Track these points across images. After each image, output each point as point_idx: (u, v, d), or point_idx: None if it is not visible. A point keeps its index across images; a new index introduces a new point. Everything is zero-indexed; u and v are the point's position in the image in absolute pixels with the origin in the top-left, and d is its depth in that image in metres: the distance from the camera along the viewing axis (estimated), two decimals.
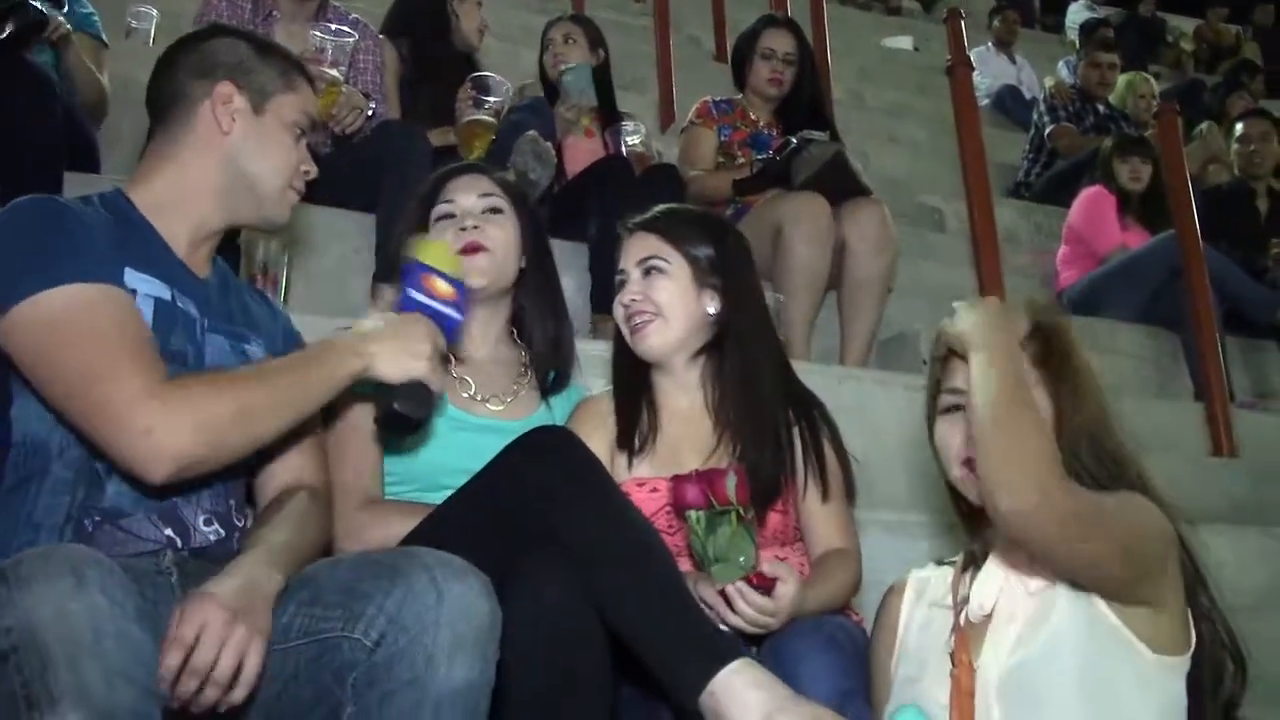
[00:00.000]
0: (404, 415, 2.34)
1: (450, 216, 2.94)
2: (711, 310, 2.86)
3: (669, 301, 2.83)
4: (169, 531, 2.23)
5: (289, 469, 2.46)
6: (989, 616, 2.22)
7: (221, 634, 1.92)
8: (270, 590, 2.07)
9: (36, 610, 1.76)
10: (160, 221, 2.39)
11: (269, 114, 2.45)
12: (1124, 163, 6.39)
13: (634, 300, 2.84)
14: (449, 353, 2.83)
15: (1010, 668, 2.15)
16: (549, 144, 4.41)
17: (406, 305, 2.42)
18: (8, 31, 3.78)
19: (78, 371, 2.09)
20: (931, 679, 2.24)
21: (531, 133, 4.40)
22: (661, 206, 3.00)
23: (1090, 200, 6.40)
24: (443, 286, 2.44)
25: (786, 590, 2.47)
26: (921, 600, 2.41)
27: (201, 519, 2.28)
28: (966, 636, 2.24)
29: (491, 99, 4.53)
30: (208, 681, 1.92)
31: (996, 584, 2.23)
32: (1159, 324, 5.86)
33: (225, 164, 2.41)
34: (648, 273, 2.85)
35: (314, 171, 2.54)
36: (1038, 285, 6.48)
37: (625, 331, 2.88)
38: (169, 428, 2.05)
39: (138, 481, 2.14)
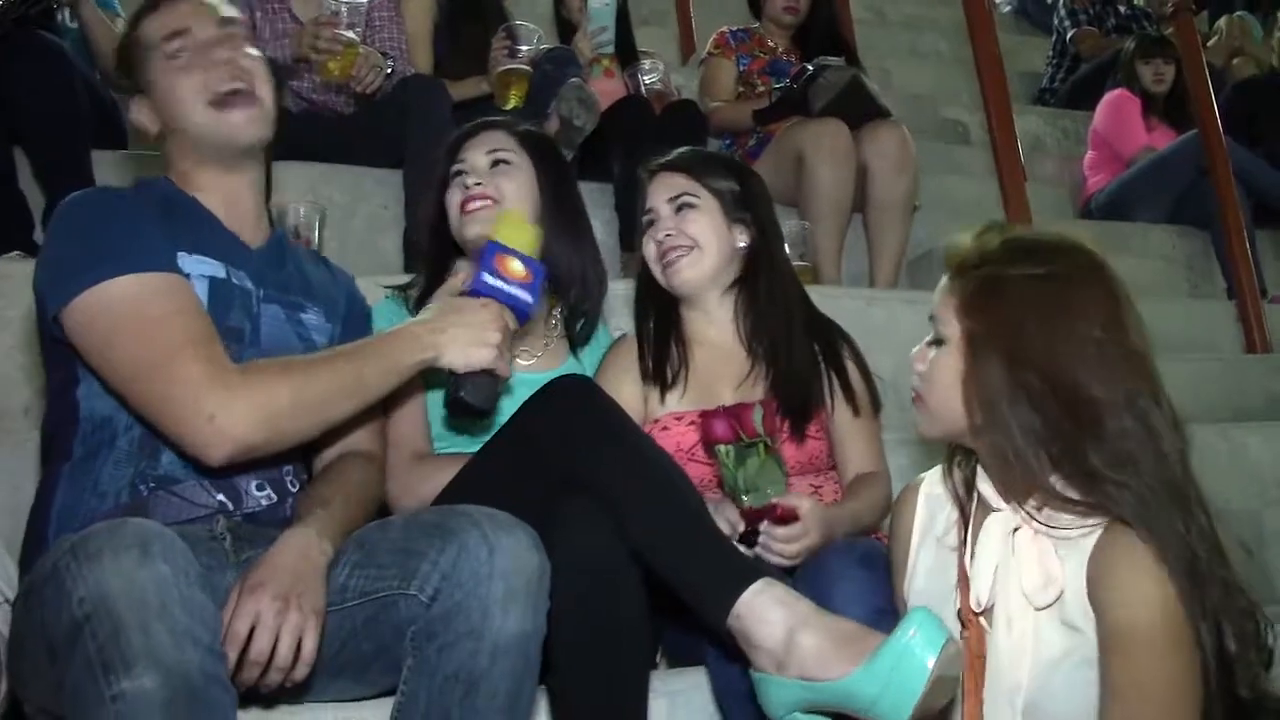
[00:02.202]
0: (469, 404, 2.37)
1: (460, 174, 2.97)
2: (741, 243, 2.95)
3: (703, 234, 2.91)
4: (220, 497, 2.30)
5: (347, 436, 2.50)
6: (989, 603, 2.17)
7: (275, 624, 2.00)
8: (321, 563, 2.13)
9: (106, 580, 1.82)
10: (198, 195, 2.46)
11: (154, 85, 2.48)
12: (1146, 64, 6.37)
13: (669, 235, 2.92)
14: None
15: (1011, 684, 2.11)
16: (592, 90, 4.42)
17: (479, 289, 2.39)
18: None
19: (140, 359, 2.16)
20: None
21: (575, 79, 4.41)
22: (682, 148, 3.07)
23: (1114, 103, 6.38)
24: (517, 268, 2.41)
25: (805, 507, 2.55)
26: (932, 529, 2.33)
27: (254, 484, 2.35)
28: (976, 627, 2.19)
29: (524, 47, 4.56)
30: (269, 667, 2.00)
31: (989, 576, 2.15)
32: (1189, 223, 5.87)
33: (173, 136, 2.48)
34: (680, 209, 2.93)
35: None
36: (1065, 193, 6.47)
37: (657, 269, 2.96)
38: (231, 414, 2.11)
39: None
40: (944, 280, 2.19)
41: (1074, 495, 2.05)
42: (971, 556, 2.21)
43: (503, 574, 2.04)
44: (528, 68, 4.55)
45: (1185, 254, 5.83)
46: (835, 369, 2.91)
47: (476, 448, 2.64)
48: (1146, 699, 1.96)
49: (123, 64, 2.54)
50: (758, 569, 2.30)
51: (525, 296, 2.41)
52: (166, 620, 1.81)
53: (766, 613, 2.20)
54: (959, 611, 2.22)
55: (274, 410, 2.16)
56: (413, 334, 2.34)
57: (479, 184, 2.91)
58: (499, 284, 2.39)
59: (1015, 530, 2.13)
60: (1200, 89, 5.45)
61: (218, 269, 2.38)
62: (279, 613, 2.00)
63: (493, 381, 2.38)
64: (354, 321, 2.63)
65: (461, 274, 2.43)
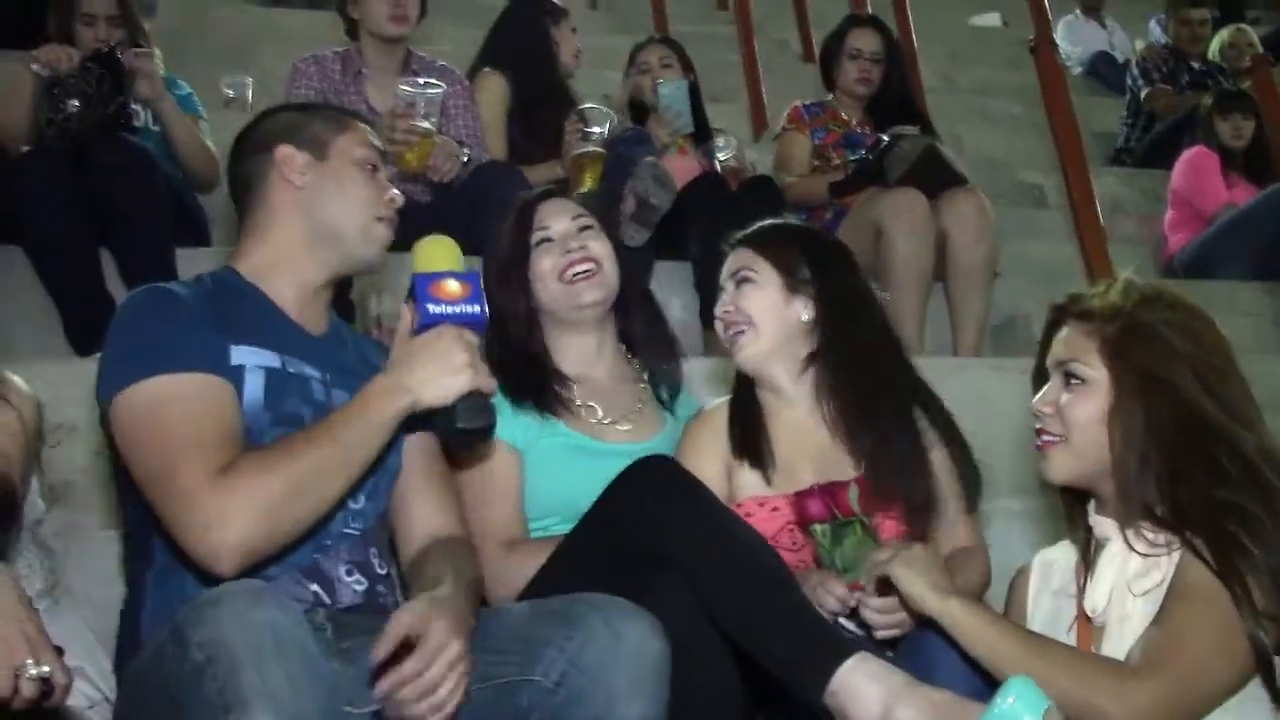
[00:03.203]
0: (467, 431, 2.33)
1: (549, 241, 2.99)
2: (805, 317, 2.85)
3: (758, 310, 2.85)
4: (315, 587, 2.31)
5: (432, 520, 2.51)
6: (1104, 615, 2.24)
7: (455, 661, 2.04)
8: (470, 627, 2.16)
9: (224, 622, 1.87)
10: (267, 288, 2.47)
11: (332, 157, 2.51)
12: (1225, 120, 6.30)
13: (726, 312, 2.88)
14: (572, 377, 2.90)
15: None
16: (668, 168, 4.41)
17: (427, 321, 2.32)
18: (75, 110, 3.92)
19: (153, 463, 2.18)
20: None
21: (651, 158, 4.40)
22: (762, 223, 3.03)
23: (1192, 161, 6.30)
24: (453, 288, 2.33)
25: (901, 574, 2.49)
26: (1046, 586, 2.42)
27: (343, 570, 2.36)
28: (1088, 632, 2.26)
29: (597, 129, 4.59)
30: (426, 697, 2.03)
31: (1108, 583, 2.24)
32: (1275, 279, 5.75)
33: (307, 217, 2.48)
34: (739, 284, 2.88)
35: (399, 199, 2.56)
36: (1147, 253, 6.41)
37: (726, 345, 2.92)
38: (224, 521, 2.10)
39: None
40: (1072, 326, 2.35)
41: (1170, 518, 2.21)
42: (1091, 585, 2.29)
43: (627, 661, 2.07)
44: (602, 150, 4.56)
45: (1272, 310, 5.73)
46: (941, 447, 2.84)
47: (566, 528, 2.64)
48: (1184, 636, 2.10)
49: (293, 125, 2.56)
50: (852, 644, 2.29)
51: (476, 310, 2.35)
52: (282, 662, 1.86)
53: (862, 689, 2.19)
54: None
55: (268, 505, 2.13)
56: (382, 388, 2.29)
57: (582, 247, 2.95)
58: (444, 309, 2.32)
59: (1130, 549, 2.25)
60: None
61: (273, 359, 2.38)
62: (460, 655, 2.05)
63: (481, 400, 2.33)
64: None
65: (405, 315, 2.38)
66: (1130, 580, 2.20)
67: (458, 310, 2.33)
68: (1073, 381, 2.30)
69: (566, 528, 2.69)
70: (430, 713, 2.03)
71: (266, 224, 2.50)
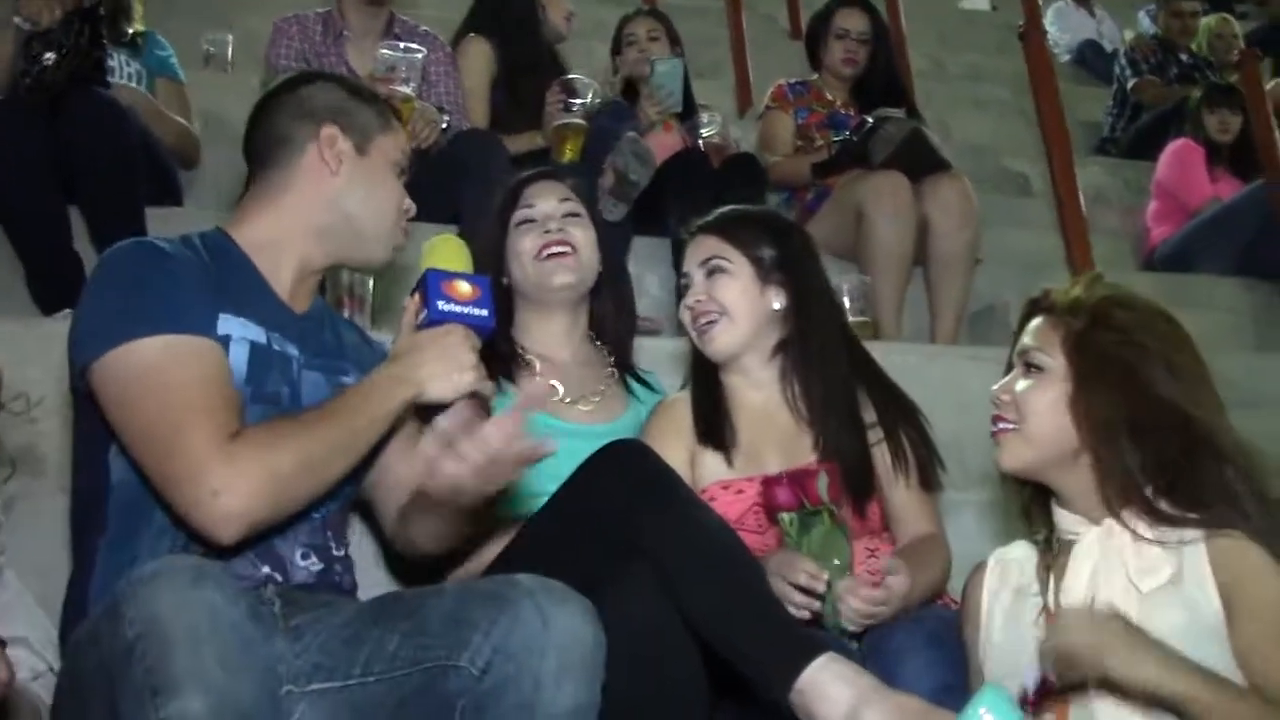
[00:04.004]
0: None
1: (531, 221, 2.98)
2: (777, 306, 2.86)
3: (733, 300, 2.83)
4: (267, 569, 2.26)
5: (404, 473, 2.46)
6: None
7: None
8: None
9: (157, 600, 1.82)
10: (262, 260, 2.41)
11: (373, 154, 2.46)
12: (1212, 114, 6.28)
13: (699, 301, 2.85)
14: (534, 355, 2.87)
15: None
16: (648, 144, 4.38)
17: (435, 318, 2.33)
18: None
19: (151, 427, 2.12)
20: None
21: (631, 133, 4.36)
22: (723, 209, 3.01)
23: (1177, 153, 6.29)
24: (465, 288, 2.35)
25: (899, 581, 2.50)
26: (1005, 585, 2.38)
27: (299, 553, 2.31)
28: None
29: (579, 100, 4.53)
30: None
31: (1085, 579, 2.20)
32: (1255, 275, 5.75)
33: (332, 205, 2.42)
34: (710, 273, 2.86)
35: (413, 209, 2.54)
36: (1129, 245, 6.39)
37: (693, 334, 2.89)
38: (235, 490, 2.06)
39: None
40: (1039, 319, 2.33)
41: (1167, 508, 2.19)
42: (1057, 585, 2.26)
43: (557, 647, 2.00)
44: (583, 121, 4.52)
45: (1251, 306, 5.72)
46: (893, 439, 2.83)
47: (538, 501, 2.60)
48: None
49: (345, 107, 2.50)
50: (821, 643, 2.26)
51: (482, 313, 2.36)
52: (217, 644, 1.80)
53: (829, 689, 2.16)
54: None
55: (277, 479, 2.11)
56: (391, 377, 2.29)
57: (560, 230, 2.93)
58: (454, 308, 2.33)
59: (1111, 538, 2.22)
60: (1266, 137, 5.37)
61: (259, 334, 2.33)
62: None
63: (479, 404, 2.34)
64: None
65: (411, 308, 2.38)
66: (1135, 577, 2.17)
67: (467, 312, 2.34)
68: (1031, 369, 2.30)
69: (520, 503, 2.68)
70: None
71: (283, 200, 2.43)
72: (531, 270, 2.94)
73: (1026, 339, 2.33)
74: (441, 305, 2.33)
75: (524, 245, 2.96)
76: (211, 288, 2.29)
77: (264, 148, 2.48)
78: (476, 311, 2.35)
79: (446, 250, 2.44)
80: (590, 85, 4.60)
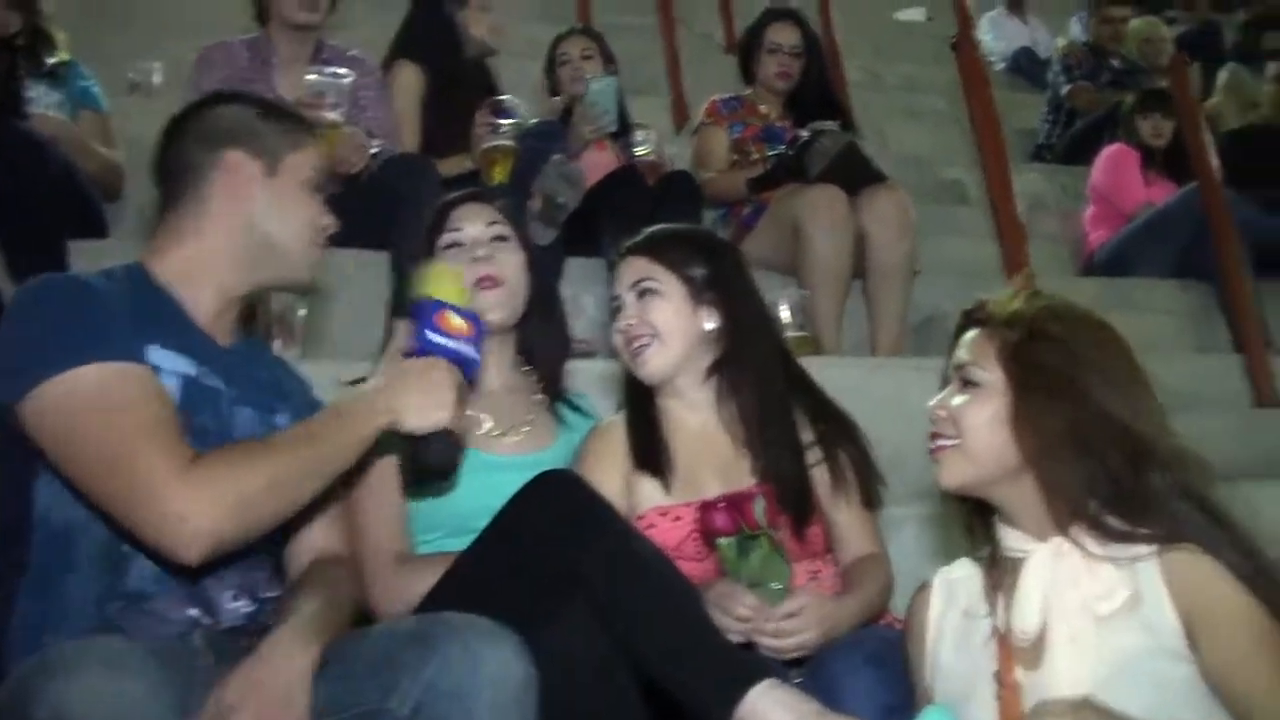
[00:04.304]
0: (431, 466, 2.30)
1: (458, 245, 2.92)
2: (710, 326, 2.80)
3: (665, 322, 2.78)
4: (195, 611, 2.21)
5: (318, 537, 2.42)
6: (1040, 634, 2.14)
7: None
8: (305, 666, 2.06)
9: (73, 697, 1.76)
10: (183, 292, 2.36)
11: (283, 175, 2.40)
12: (1146, 119, 6.31)
13: (630, 325, 2.80)
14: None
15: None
16: (576, 165, 4.37)
17: (424, 348, 2.30)
18: None
19: (104, 454, 2.05)
20: (978, 703, 2.17)
21: (558, 155, 4.35)
22: (652, 228, 2.95)
23: (1112, 158, 6.33)
24: (458, 323, 2.32)
25: (802, 603, 2.47)
26: (953, 606, 2.33)
27: (228, 595, 2.26)
28: (1011, 655, 2.17)
29: (508, 121, 4.50)
30: None
31: (1037, 602, 2.15)
32: (1192, 277, 5.78)
33: (246, 230, 2.37)
34: (641, 295, 2.81)
35: (333, 226, 2.49)
36: (1067, 250, 6.41)
37: (625, 357, 2.83)
38: (201, 510, 2.01)
39: (162, 561, 2.12)
40: (974, 332, 2.27)
41: (1115, 523, 2.12)
42: (1006, 605, 2.19)
43: (487, 686, 1.98)
44: (512, 143, 4.49)
45: (1189, 308, 5.74)
46: (832, 458, 2.79)
47: (460, 539, 2.57)
48: None
49: (250, 129, 2.44)
50: (761, 669, 2.23)
51: (471, 352, 2.33)
52: None
53: (771, 715, 2.13)
54: (995, 674, 2.17)
55: (242, 498, 2.05)
56: (367, 402, 2.25)
57: (488, 257, 2.87)
58: (444, 341, 2.31)
59: (1062, 558, 2.16)
60: (1197, 141, 5.40)
61: (189, 367, 2.28)
62: None
63: (453, 441, 2.30)
64: None
65: (402, 333, 2.37)
66: (1091, 601, 2.11)
67: (456, 347, 2.32)
68: (968, 385, 2.23)
69: (453, 542, 2.64)
70: None
71: (197, 227, 2.38)
72: None
73: (962, 353, 2.27)
74: (431, 336, 2.30)
75: None
76: (137, 320, 2.23)
77: (172, 176, 2.43)
78: (465, 349, 2.33)
79: (446, 281, 2.40)
80: (518, 105, 4.56)
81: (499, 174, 4.46)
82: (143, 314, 2.26)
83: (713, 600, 2.42)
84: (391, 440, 2.31)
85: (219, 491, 2.03)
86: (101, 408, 2.08)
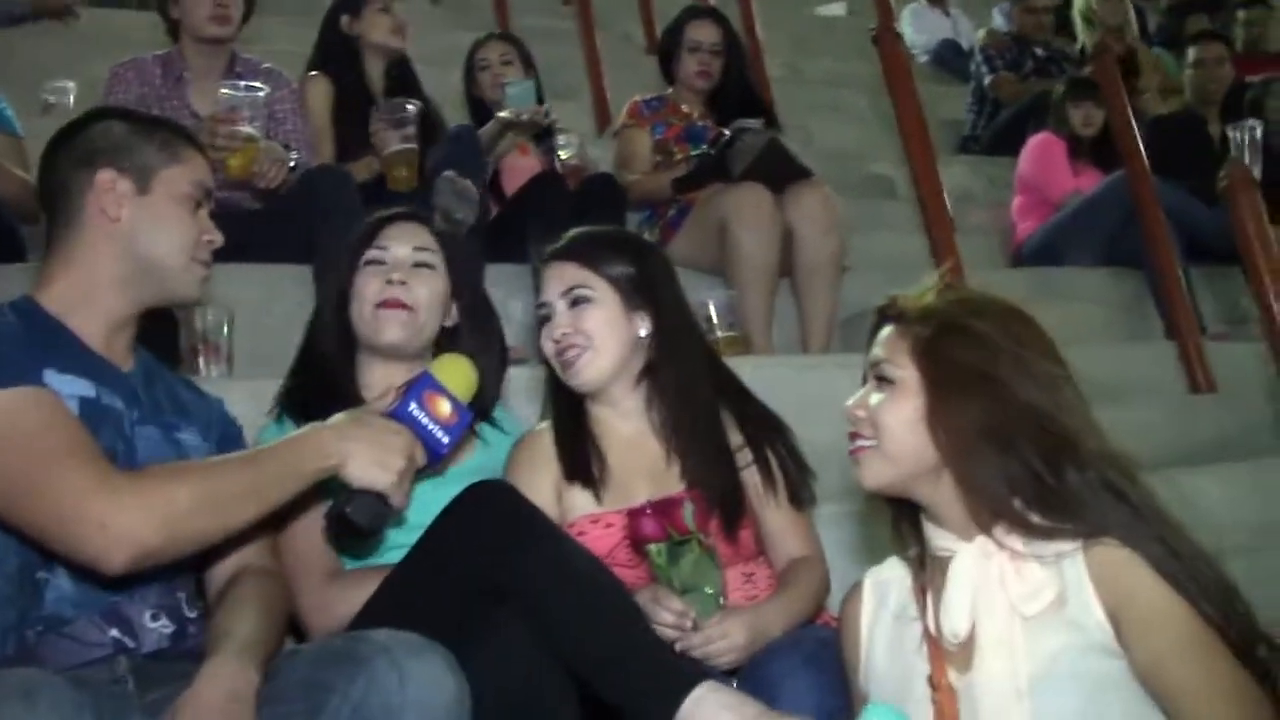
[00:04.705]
0: (354, 523, 2.26)
1: (379, 263, 2.86)
2: (643, 332, 2.77)
3: (599, 329, 2.73)
4: (115, 633, 2.18)
5: (241, 552, 2.39)
6: (969, 636, 2.12)
7: None
8: (249, 693, 2.03)
9: None
10: (72, 321, 2.32)
11: (156, 192, 2.37)
12: (1076, 108, 6.31)
13: (565, 334, 2.74)
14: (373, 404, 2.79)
15: (1012, 698, 2.05)
16: (468, 181, 4.31)
17: (399, 415, 2.31)
18: None
19: (22, 475, 2.03)
20: (912, 706, 2.12)
21: (448, 172, 4.30)
22: (576, 230, 2.90)
23: (1039, 147, 6.35)
24: (444, 409, 2.34)
25: (724, 619, 2.45)
26: (884, 609, 2.30)
27: (148, 615, 2.23)
28: (942, 656, 2.15)
29: (405, 122, 4.43)
30: None
31: (965, 603, 2.12)
32: (1122, 265, 5.81)
33: (122, 252, 2.34)
34: (575, 304, 2.75)
35: (218, 240, 2.45)
36: (997, 241, 6.42)
37: (557, 366, 2.78)
38: (125, 518, 1.99)
39: (79, 582, 2.11)
40: (888, 328, 2.23)
41: (1038, 520, 2.08)
42: (936, 607, 2.16)
43: (416, 704, 1.95)
44: (413, 146, 4.43)
45: (1120, 296, 5.77)
46: (761, 460, 2.76)
47: (386, 555, 2.55)
48: (1214, 693, 2.00)
49: (121, 146, 2.40)
50: (699, 673, 2.21)
51: (443, 439, 2.34)
52: None
53: (712, 718, 2.10)
54: (928, 677, 2.14)
55: (171, 511, 2.03)
56: (319, 439, 2.24)
57: (403, 283, 2.82)
58: (421, 417, 2.32)
59: (988, 558, 2.12)
60: (1124, 128, 5.40)
61: (87, 388, 2.25)
62: None
63: (383, 508, 2.27)
64: (228, 443, 2.50)
65: (390, 395, 2.36)
66: (1017, 601, 2.08)
67: (429, 428, 2.33)
68: (884, 383, 2.19)
69: (375, 560, 2.62)
70: None
71: (74, 252, 2.35)
72: (368, 315, 2.82)
73: (877, 350, 2.22)
74: (411, 408, 2.33)
75: (367, 288, 2.84)
76: (30, 348, 2.20)
77: (49, 198, 2.41)
78: (438, 434, 2.34)
79: (455, 370, 2.45)
80: (412, 104, 4.49)
81: (406, 177, 4.41)
82: (35, 343, 2.23)
83: (641, 605, 2.39)
84: (329, 486, 2.29)
85: (143, 500, 2.01)
86: (10, 432, 2.05)
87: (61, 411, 2.13)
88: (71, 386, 2.22)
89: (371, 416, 2.31)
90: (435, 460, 2.37)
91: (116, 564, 2.00)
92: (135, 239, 2.34)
